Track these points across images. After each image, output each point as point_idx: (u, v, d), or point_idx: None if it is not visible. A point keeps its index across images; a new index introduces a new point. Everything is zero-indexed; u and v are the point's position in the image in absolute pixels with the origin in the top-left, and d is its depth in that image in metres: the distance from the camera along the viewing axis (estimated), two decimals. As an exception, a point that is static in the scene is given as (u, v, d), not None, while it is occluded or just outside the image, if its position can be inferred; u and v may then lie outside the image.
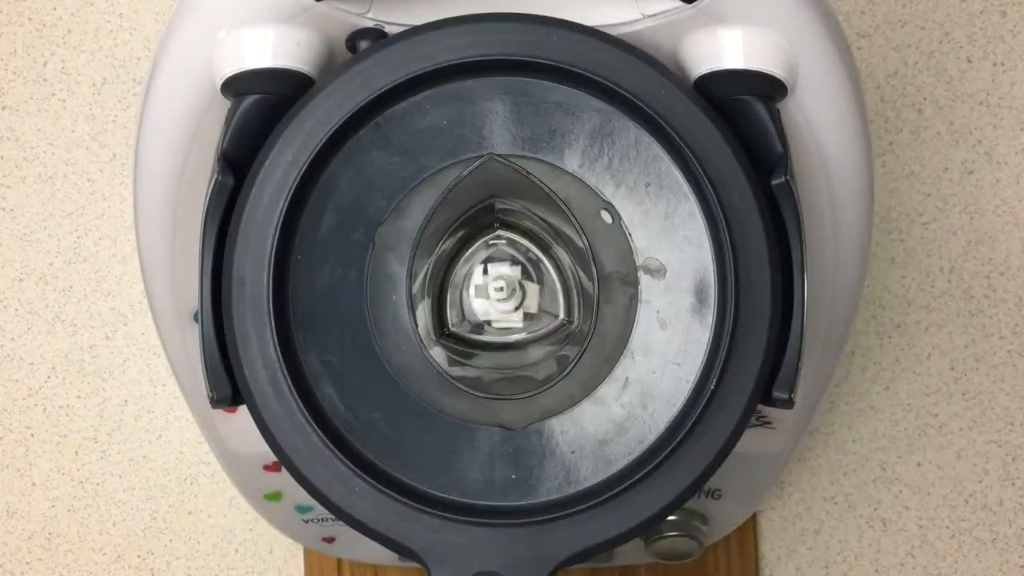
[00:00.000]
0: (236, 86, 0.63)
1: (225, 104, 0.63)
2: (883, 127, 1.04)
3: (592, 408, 0.62)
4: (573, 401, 0.62)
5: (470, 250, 0.62)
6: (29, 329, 1.05)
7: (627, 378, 0.62)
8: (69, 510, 1.04)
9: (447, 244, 0.62)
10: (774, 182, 0.61)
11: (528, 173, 0.61)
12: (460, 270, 0.62)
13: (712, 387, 0.60)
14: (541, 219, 0.63)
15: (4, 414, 1.04)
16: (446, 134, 0.61)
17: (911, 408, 1.03)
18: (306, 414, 0.60)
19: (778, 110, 0.63)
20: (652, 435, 0.61)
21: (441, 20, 0.60)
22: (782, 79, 0.63)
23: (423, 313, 0.62)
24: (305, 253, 0.61)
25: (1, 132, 1.06)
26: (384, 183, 0.61)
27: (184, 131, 0.66)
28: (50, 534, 1.04)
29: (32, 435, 1.04)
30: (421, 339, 0.62)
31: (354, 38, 0.63)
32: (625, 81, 0.60)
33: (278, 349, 0.60)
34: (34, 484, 1.04)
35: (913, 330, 1.04)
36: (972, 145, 1.04)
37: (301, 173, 0.60)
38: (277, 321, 0.60)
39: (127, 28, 1.07)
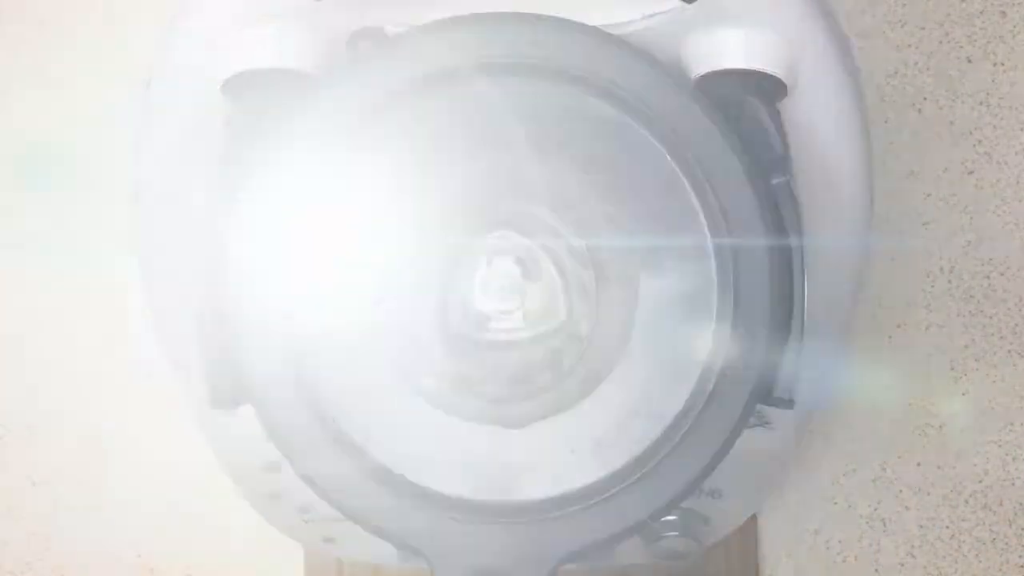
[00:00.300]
0: (237, 86, 0.63)
1: (226, 104, 0.63)
2: (883, 127, 1.04)
3: (592, 407, 0.62)
4: (573, 400, 0.62)
5: (472, 250, 0.62)
6: (29, 329, 1.05)
7: (626, 377, 0.62)
8: (69, 510, 1.04)
9: (449, 243, 0.62)
10: (774, 182, 0.62)
11: (527, 173, 0.61)
12: (462, 269, 0.62)
13: (711, 387, 0.60)
14: (542, 219, 0.63)
15: (4, 414, 1.04)
16: (447, 134, 0.61)
17: (911, 408, 1.03)
18: (310, 413, 0.60)
19: (778, 110, 0.63)
20: (651, 433, 0.61)
21: (442, 20, 0.60)
22: (782, 79, 0.63)
23: (425, 312, 0.62)
24: (306, 251, 0.61)
25: (1, 132, 1.06)
26: (385, 184, 0.61)
27: (184, 131, 0.66)
28: (50, 534, 1.04)
29: (32, 435, 1.04)
30: (423, 338, 0.62)
31: (356, 38, 0.63)
32: (626, 81, 0.60)
33: (281, 347, 0.60)
34: (34, 484, 1.04)
35: (913, 330, 1.04)
36: (972, 145, 1.04)
37: (302, 173, 0.60)
38: (279, 320, 0.60)
39: (127, 28, 1.07)
